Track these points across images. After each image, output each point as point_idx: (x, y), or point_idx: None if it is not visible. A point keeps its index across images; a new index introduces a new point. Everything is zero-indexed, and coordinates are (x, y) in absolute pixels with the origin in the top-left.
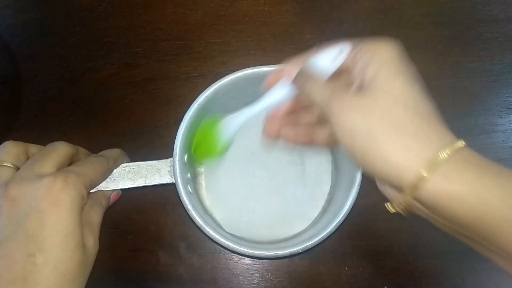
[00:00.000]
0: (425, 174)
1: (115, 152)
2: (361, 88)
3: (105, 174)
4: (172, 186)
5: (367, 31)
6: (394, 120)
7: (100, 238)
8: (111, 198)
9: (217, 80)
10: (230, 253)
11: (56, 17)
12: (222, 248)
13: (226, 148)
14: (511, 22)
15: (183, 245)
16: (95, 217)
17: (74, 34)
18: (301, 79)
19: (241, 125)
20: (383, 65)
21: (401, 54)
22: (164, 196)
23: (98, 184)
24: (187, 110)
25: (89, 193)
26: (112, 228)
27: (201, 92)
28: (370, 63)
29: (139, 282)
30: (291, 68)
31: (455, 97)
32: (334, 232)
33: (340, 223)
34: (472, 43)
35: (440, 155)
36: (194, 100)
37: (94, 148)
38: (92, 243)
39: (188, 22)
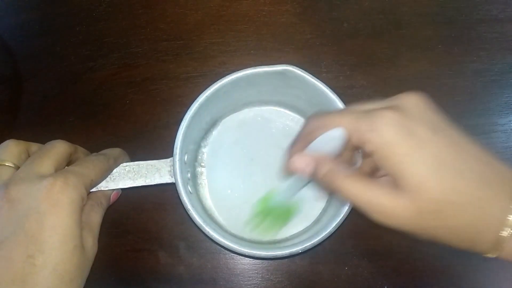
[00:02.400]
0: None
1: (115, 151)
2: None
3: (105, 173)
4: (172, 186)
5: (367, 31)
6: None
7: (100, 238)
8: (111, 198)
9: (218, 80)
10: (230, 253)
11: (56, 17)
12: (222, 248)
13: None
14: (511, 22)
15: (183, 245)
16: (95, 217)
17: (74, 34)
18: (324, 174)
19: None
20: (391, 148)
21: (403, 118)
22: (164, 196)
23: (98, 184)
24: (187, 110)
25: (89, 193)
26: (112, 228)
27: (202, 92)
28: (376, 150)
29: (139, 282)
30: (300, 161)
31: (455, 97)
32: (334, 232)
33: (340, 223)
34: (472, 43)
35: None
36: (194, 100)
37: (94, 148)
38: (91, 244)
39: (188, 22)
